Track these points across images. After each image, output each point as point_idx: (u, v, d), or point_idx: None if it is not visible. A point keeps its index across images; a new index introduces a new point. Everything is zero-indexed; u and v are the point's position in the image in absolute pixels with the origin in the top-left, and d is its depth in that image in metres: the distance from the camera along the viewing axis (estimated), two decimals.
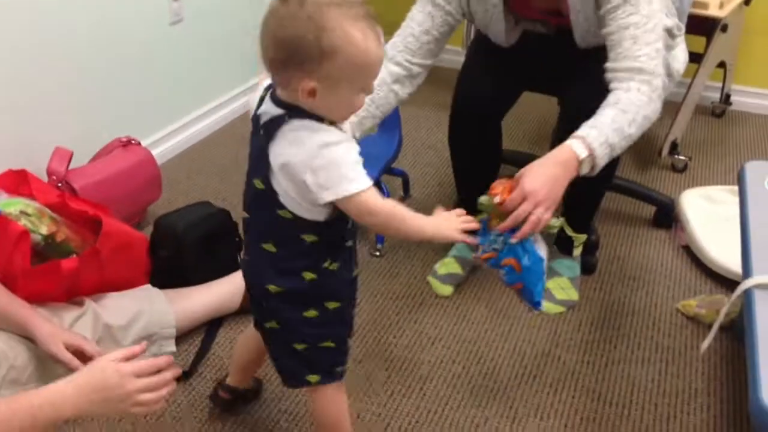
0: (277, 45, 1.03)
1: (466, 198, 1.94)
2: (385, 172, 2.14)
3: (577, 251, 1.90)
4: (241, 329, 1.72)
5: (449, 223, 1.20)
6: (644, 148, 2.59)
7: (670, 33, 1.74)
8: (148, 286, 1.66)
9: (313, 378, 1.24)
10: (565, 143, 1.41)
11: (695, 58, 2.35)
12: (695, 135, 2.72)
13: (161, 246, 1.75)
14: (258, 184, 1.12)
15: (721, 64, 2.66)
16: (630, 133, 1.44)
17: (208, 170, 2.39)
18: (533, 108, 2.60)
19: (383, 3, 1.49)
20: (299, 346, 1.22)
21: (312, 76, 1.03)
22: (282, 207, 1.11)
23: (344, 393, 1.30)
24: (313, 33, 1.00)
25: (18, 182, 1.66)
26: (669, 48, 1.77)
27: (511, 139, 2.62)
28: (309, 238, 1.13)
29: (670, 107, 2.37)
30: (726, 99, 2.89)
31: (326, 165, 1.05)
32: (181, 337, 1.64)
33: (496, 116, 1.83)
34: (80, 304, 1.54)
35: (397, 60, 1.65)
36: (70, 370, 1.33)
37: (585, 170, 1.42)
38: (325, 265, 1.16)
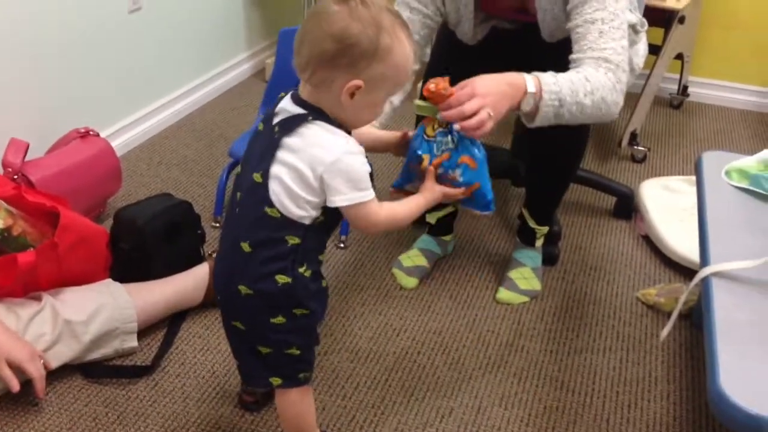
0: (334, 38, 1.06)
1: None
2: None
3: (539, 242, 1.91)
4: (204, 323, 1.70)
5: (432, 193, 1.25)
6: (604, 139, 2.62)
7: (634, 29, 1.76)
8: (109, 280, 1.63)
9: (276, 380, 1.23)
10: (518, 73, 1.37)
11: (653, 49, 2.38)
12: (654, 126, 2.76)
13: (122, 239, 1.72)
14: (257, 177, 1.13)
15: (679, 56, 2.71)
16: (583, 102, 1.40)
17: (168, 162, 2.35)
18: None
19: None
20: (264, 350, 1.21)
21: (361, 75, 1.07)
22: (271, 205, 1.12)
23: (310, 395, 1.30)
24: (374, 31, 1.06)
25: None
26: (632, 43, 1.78)
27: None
28: (292, 240, 1.13)
29: (630, 99, 2.40)
30: (684, 90, 2.94)
31: (345, 171, 1.09)
32: (143, 332, 1.61)
33: None
34: (38, 299, 1.50)
35: None
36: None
37: (526, 107, 1.38)
38: (301, 270, 1.15)
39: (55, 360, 1.47)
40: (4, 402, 1.44)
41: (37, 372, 1.40)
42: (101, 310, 1.53)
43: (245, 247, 1.15)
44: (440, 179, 1.28)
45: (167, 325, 1.67)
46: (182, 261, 1.73)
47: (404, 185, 1.36)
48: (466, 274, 1.93)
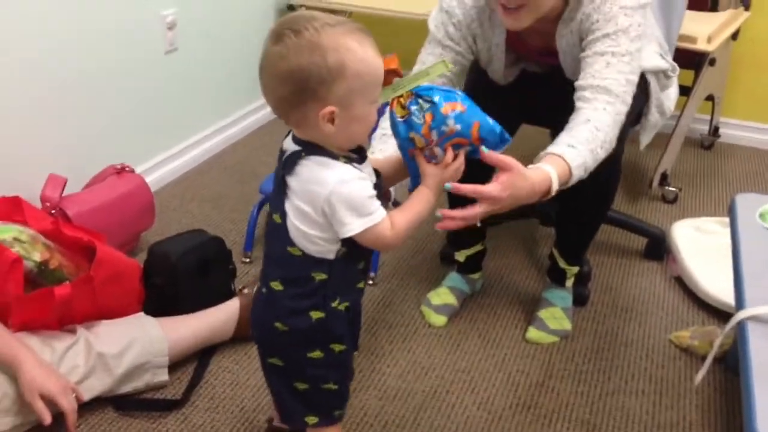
0: (284, 81, 1.04)
1: (461, 240, 1.94)
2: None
3: (569, 282, 1.90)
4: (234, 358, 1.70)
5: (433, 176, 1.16)
6: (635, 180, 2.61)
7: (665, 74, 1.76)
8: (142, 314, 1.65)
9: (311, 419, 1.23)
10: (546, 170, 1.30)
11: (684, 91, 2.38)
12: (685, 166, 2.75)
13: (155, 273, 1.74)
14: (276, 218, 1.14)
15: (710, 97, 2.71)
16: (599, 155, 1.39)
17: (200, 198, 2.39)
18: (526, 139, 2.62)
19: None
20: (301, 386, 1.20)
21: (328, 100, 1.04)
22: (292, 244, 1.12)
23: None
24: (318, 56, 1.02)
25: (11, 209, 1.66)
26: (664, 87, 1.79)
27: None
28: (318, 276, 1.13)
29: (661, 139, 2.41)
30: (714, 131, 2.93)
31: (344, 202, 1.07)
32: (174, 366, 1.62)
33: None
34: (73, 332, 1.53)
35: None
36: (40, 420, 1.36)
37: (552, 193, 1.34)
38: (334, 304, 1.15)
39: (88, 393, 1.48)
40: None
41: (69, 405, 1.41)
42: (134, 343, 1.54)
43: (276, 285, 1.16)
44: (440, 144, 1.16)
45: (198, 359, 1.68)
46: (213, 296, 1.75)
47: (417, 185, 1.24)
48: (495, 313, 1.92)
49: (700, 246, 2.07)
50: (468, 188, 1.20)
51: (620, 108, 1.45)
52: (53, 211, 1.81)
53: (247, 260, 2.06)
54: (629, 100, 1.47)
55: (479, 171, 1.27)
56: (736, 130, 2.98)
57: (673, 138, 2.47)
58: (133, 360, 1.53)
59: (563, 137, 1.39)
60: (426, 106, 1.14)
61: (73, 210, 1.85)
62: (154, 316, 1.64)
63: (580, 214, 1.77)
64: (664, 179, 2.49)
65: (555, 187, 1.30)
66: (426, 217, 1.16)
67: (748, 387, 1.14)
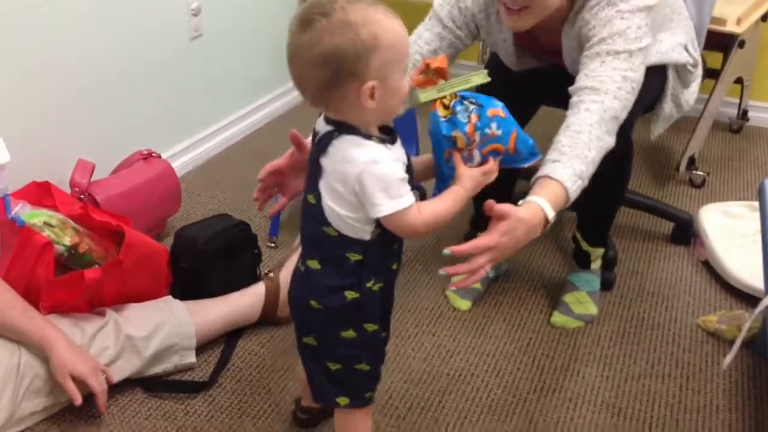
0: (322, 65, 1.04)
1: (485, 218, 1.94)
2: None
3: (595, 264, 1.89)
4: (260, 341, 1.72)
5: (471, 179, 1.17)
6: (662, 164, 2.58)
7: (685, 68, 1.73)
8: (169, 297, 1.67)
9: (343, 400, 1.24)
10: (535, 203, 1.26)
11: (712, 74, 2.35)
12: (713, 150, 2.71)
13: (182, 258, 1.76)
14: (311, 199, 1.14)
15: (738, 80, 2.66)
16: (591, 158, 1.35)
17: (225, 183, 2.40)
18: (547, 121, 2.60)
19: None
20: (334, 366, 1.21)
21: (367, 76, 1.04)
22: (328, 224, 1.12)
23: (370, 418, 1.31)
24: (351, 33, 1.02)
25: (41, 194, 1.69)
26: (685, 82, 1.76)
27: None
28: (354, 256, 1.13)
29: (688, 123, 2.38)
30: (743, 115, 2.88)
31: (375, 181, 1.07)
32: (201, 348, 1.65)
33: None
34: (102, 314, 1.55)
35: None
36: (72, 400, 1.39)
37: (546, 229, 1.29)
38: (369, 285, 1.16)
39: (117, 374, 1.50)
40: (68, 414, 1.48)
41: (99, 386, 1.43)
42: (162, 326, 1.56)
43: (313, 264, 1.16)
44: (480, 146, 1.19)
45: (224, 342, 1.70)
46: (239, 280, 1.77)
47: (443, 189, 1.25)
48: (520, 297, 1.91)
49: (728, 230, 2.05)
50: (467, 247, 1.19)
51: (609, 104, 1.39)
52: (82, 196, 1.84)
53: (272, 245, 2.07)
54: (625, 95, 1.42)
55: (503, 179, 1.26)
56: (765, 113, 2.93)
57: (701, 122, 2.44)
58: (161, 342, 1.55)
59: (549, 154, 1.37)
60: (471, 107, 1.17)
61: (101, 195, 1.87)
62: (181, 300, 1.66)
63: (598, 194, 1.74)
64: (691, 163, 2.46)
65: (550, 213, 1.26)
66: (454, 215, 1.16)
67: None
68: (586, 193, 1.62)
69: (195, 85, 2.43)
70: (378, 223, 1.12)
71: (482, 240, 1.19)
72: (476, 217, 1.98)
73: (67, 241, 1.57)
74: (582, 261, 1.89)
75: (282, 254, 1.98)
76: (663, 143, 2.72)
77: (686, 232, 2.14)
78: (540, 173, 1.33)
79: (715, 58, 2.37)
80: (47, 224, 1.57)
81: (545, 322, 1.82)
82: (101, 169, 1.97)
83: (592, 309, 1.84)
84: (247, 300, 1.73)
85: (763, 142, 2.81)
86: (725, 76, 2.45)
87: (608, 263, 1.94)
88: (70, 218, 1.63)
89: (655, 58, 1.63)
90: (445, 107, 1.17)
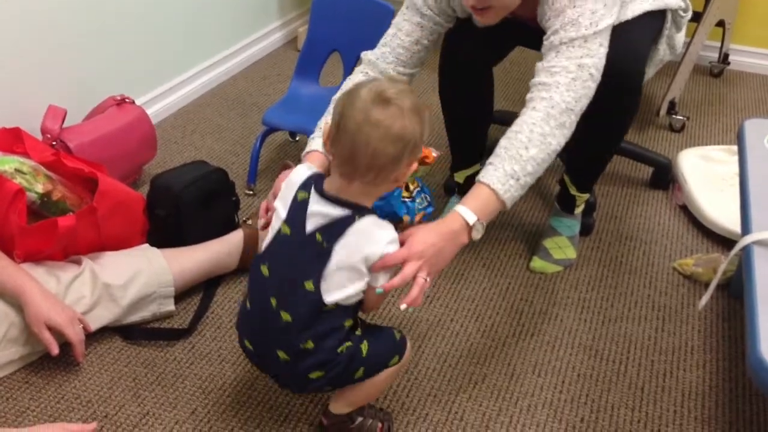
0: (395, 140, 1.13)
1: (460, 158, 1.94)
2: None
3: (578, 210, 1.89)
4: (239, 288, 1.72)
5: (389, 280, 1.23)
6: (642, 109, 2.57)
7: (677, 13, 1.70)
8: (146, 245, 1.66)
9: (393, 361, 1.29)
10: (454, 212, 1.31)
11: (694, 17, 2.32)
12: (693, 95, 2.71)
13: (158, 205, 1.73)
14: (308, 285, 1.17)
15: (720, 23, 2.64)
16: (530, 155, 1.35)
17: (202, 130, 2.36)
18: (526, 67, 2.58)
19: None
20: (360, 375, 1.26)
21: (414, 158, 1.18)
22: (327, 304, 1.18)
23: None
24: (418, 120, 1.15)
25: (12, 140, 1.64)
26: (678, 28, 1.74)
27: (505, 99, 2.60)
28: (348, 322, 1.22)
29: (669, 67, 2.36)
30: (724, 58, 2.87)
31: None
32: (180, 296, 1.64)
33: (484, 63, 1.79)
34: (78, 263, 1.53)
35: (389, 73, 1.61)
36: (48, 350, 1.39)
37: (479, 231, 1.33)
38: (357, 332, 1.25)
39: (95, 323, 1.49)
40: (47, 362, 1.48)
41: (76, 336, 1.42)
42: (139, 275, 1.55)
43: (308, 344, 1.19)
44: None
45: (203, 290, 1.69)
46: (217, 228, 1.75)
47: None
48: (499, 242, 1.92)
49: (707, 174, 2.06)
50: (379, 264, 1.19)
51: (559, 98, 1.38)
52: (54, 143, 1.80)
53: (251, 192, 2.05)
54: (581, 84, 1.40)
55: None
56: (746, 57, 2.92)
57: (681, 65, 2.42)
58: (138, 290, 1.54)
59: (488, 160, 1.39)
60: (425, 204, 1.44)
61: (73, 142, 1.83)
62: (159, 248, 1.64)
63: (595, 142, 1.74)
64: (671, 107, 2.46)
65: (470, 218, 1.30)
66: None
67: (753, 310, 1.14)
68: (582, 140, 1.64)
69: (169, 29, 2.37)
70: None
71: (393, 255, 1.20)
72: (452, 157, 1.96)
73: (40, 188, 1.54)
74: (567, 205, 1.88)
75: (260, 201, 1.96)
76: (644, 88, 2.70)
77: (665, 177, 2.15)
78: (477, 177, 1.37)
79: (698, 1, 2.34)
80: (18, 171, 1.53)
81: (524, 267, 1.83)
82: (73, 116, 1.92)
83: (571, 254, 1.85)
84: (225, 248, 1.71)
85: (743, 87, 2.81)
86: (707, 19, 2.43)
87: (587, 208, 1.94)
88: (42, 165, 1.59)
89: (654, 4, 1.62)
90: (407, 190, 1.38)
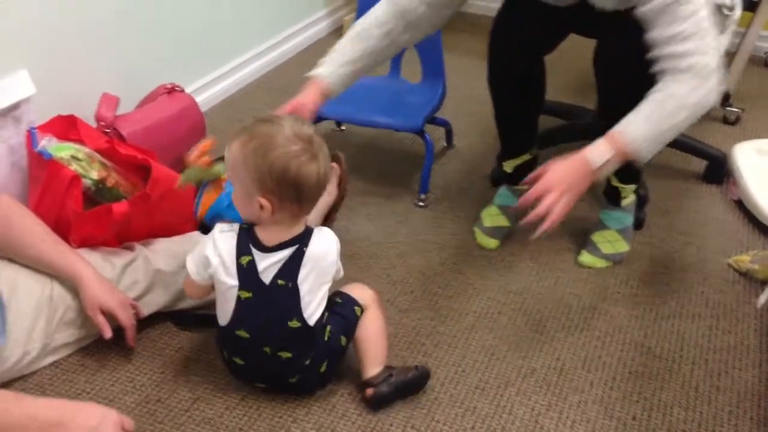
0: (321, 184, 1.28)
1: (509, 147, 1.91)
2: (429, 121, 2.10)
3: (626, 201, 1.85)
4: None
5: None
6: None
7: (720, 11, 1.64)
8: (197, 232, 1.67)
9: (343, 339, 1.40)
10: (584, 152, 1.42)
11: (750, 6, 2.26)
12: (748, 86, 2.63)
13: None
14: (294, 324, 1.29)
15: None
16: (675, 123, 1.40)
17: (248, 118, 2.35)
18: (578, 57, 2.53)
19: None
20: (343, 342, 1.39)
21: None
22: (312, 326, 1.30)
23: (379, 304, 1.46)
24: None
25: (67, 128, 1.67)
26: (725, 28, 1.68)
27: (556, 89, 2.56)
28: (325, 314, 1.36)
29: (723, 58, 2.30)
30: None
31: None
32: None
33: (535, 51, 1.74)
34: (131, 249, 1.55)
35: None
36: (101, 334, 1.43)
37: (609, 168, 1.42)
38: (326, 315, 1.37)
39: (147, 308, 1.51)
40: (101, 346, 1.50)
41: (128, 320, 1.44)
42: None
43: (310, 359, 1.34)
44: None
45: None
46: None
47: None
48: (548, 235, 1.88)
49: (763, 169, 2.01)
50: (530, 196, 1.38)
51: (703, 61, 1.39)
52: (108, 131, 1.82)
53: None
54: (709, 41, 1.40)
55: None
56: None
57: (736, 56, 2.36)
58: None
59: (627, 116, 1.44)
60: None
61: (126, 129, 1.85)
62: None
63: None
64: (726, 99, 2.40)
65: (593, 154, 1.39)
66: None
67: None
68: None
69: (218, 18, 2.38)
70: None
71: (531, 192, 1.31)
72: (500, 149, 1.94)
73: (95, 174, 1.56)
74: (612, 198, 1.85)
75: None
76: None
77: (719, 171, 2.10)
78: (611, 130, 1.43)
79: None
80: (74, 158, 1.56)
81: (573, 261, 1.81)
82: (125, 104, 1.95)
83: (622, 247, 1.82)
84: None
85: None
86: (763, 8, 2.35)
87: (639, 202, 1.91)
88: (96, 152, 1.61)
89: None
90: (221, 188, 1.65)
